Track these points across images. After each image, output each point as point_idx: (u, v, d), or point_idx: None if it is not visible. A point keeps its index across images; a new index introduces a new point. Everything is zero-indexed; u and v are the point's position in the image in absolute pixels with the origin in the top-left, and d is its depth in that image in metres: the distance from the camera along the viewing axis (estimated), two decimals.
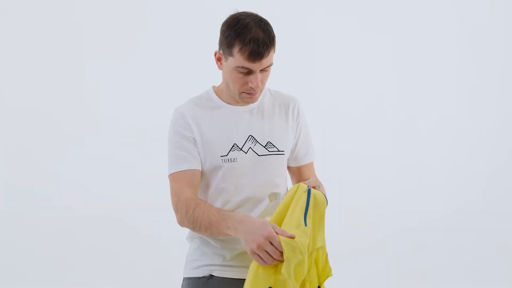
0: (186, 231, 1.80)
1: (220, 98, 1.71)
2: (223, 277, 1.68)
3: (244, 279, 1.56)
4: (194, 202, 1.59)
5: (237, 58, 1.57)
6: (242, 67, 1.58)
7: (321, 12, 3.92)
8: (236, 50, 1.56)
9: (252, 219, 1.46)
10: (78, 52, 3.80)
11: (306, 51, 3.82)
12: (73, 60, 3.79)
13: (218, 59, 1.66)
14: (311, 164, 1.83)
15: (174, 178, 1.66)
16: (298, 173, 1.82)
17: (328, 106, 3.74)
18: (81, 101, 3.77)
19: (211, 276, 1.69)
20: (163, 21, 3.80)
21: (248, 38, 1.54)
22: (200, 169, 1.67)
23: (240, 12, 1.62)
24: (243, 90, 1.63)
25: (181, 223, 1.63)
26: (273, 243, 1.39)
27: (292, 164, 1.81)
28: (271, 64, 1.61)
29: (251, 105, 1.72)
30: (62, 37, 3.79)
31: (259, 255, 1.40)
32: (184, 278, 1.74)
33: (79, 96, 3.78)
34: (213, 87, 1.76)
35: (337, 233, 3.40)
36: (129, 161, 3.73)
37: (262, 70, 1.60)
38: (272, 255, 1.38)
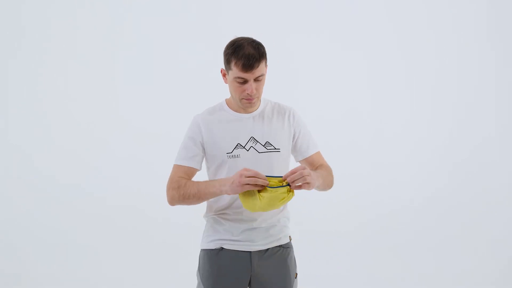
0: (196, 215, 2.08)
1: (229, 108, 1.98)
2: (232, 250, 1.94)
3: (249, 252, 1.89)
4: (185, 180, 1.88)
5: (234, 71, 1.83)
6: (239, 77, 1.83)
7: (304, 34, 4.19)
8: (233, 64, 1.83)
9: (229, 177, 1.79)
10: (109, 66, 4.17)
11: (290, 67, 4.09)
12: (107, 76, 4.17)
13: (224, 75, 1.92)
14: (317, 153, 2.04)
15: (176, 168, 1.93)
16: (309, 163, 2.02)
17: (311, 114, 3.76)
18: (116, 114, 4.18)
19: (222, 248, 1.94)
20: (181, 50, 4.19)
21: (241, 54, 1.81)
22: (198, 168, 1.94)
23: (238, 37, 1.89)
24: (242, 97, 1.88)
25: (171, 200, 1.89)
26: (248, 174, 1.70)
27: (300, 158, 2.03)
28: (262, 75, 1.85)
29: (254, 113, 1.96)
30: (96, 57, 4.17)
31: (246, 186, 1.70)
32: (201, 249, 2.01)
33: (114, 109, 4.20)
34: (226, 99, 2.01)
35: (324, 218, 3.79)
36: (151, 160, 4.11)
37: (255, 80, 1.84)
38: (254, 182, 1.69)
